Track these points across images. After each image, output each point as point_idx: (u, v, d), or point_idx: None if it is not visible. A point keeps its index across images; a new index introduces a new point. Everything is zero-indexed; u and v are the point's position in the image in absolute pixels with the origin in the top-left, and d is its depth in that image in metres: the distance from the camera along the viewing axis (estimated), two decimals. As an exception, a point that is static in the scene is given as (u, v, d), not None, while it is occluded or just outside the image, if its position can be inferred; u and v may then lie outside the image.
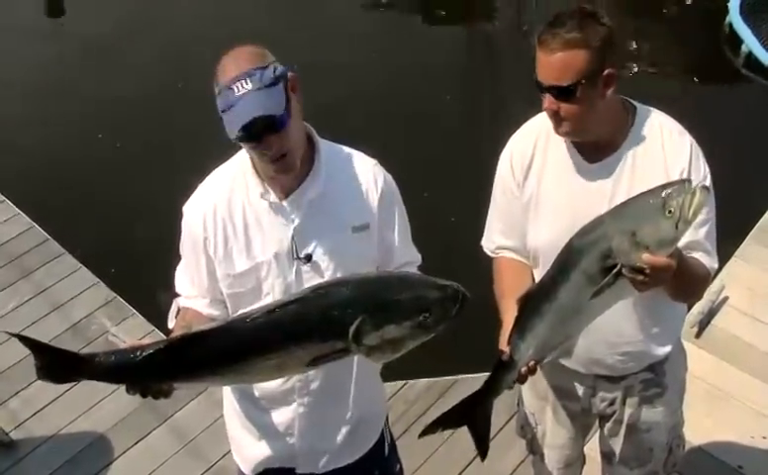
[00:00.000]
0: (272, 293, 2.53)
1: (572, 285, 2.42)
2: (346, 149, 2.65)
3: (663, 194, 2.28)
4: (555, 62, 2.50)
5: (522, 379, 2.62)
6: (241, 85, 2.29)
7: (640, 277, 2.32)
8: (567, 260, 2.45)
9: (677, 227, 2.27)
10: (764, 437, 4.25)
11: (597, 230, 2.39)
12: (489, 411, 2.71)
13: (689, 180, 2.38)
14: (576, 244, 2.43)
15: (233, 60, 2.34)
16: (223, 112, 2.31)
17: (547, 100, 2.56)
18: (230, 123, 2.29)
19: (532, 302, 2.53)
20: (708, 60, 9.05)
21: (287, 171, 2.42)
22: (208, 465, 4.46)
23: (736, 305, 4.99)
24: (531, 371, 2.59)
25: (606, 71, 2.53)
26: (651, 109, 2.74)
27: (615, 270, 2.33)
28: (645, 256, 2.29)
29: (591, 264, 2.37)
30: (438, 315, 2.20)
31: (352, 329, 2.17)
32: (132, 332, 5.16)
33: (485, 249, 3.00)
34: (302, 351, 2.23)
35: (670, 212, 2.26)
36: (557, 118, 2.58)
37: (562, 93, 2.52)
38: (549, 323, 2.50)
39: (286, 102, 2.32)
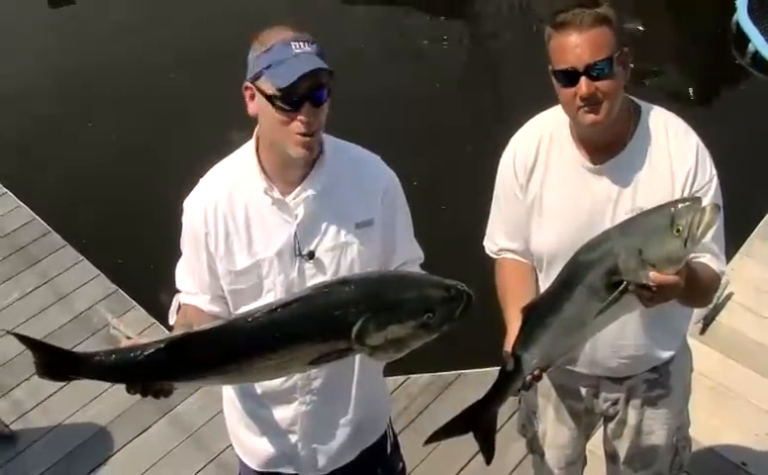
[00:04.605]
0: (274, 291, 2.50)
1: (577, 299, 2.40)
2: (350, 146, 2.63)
3: (672, 212, 2.24)
4: (590, 39, 2.42)
5: (527, 387, 2.60)
6: (301, 45, 2.30)
7: (647, 294, 2.29)
8: (572, 275, 2.42)
9: (685, 245, 2.23)
10: (768, 435, 4.24)
11: (603, 245, 2.35)
12: (494, 417, 2.69)
13: (698, 198, 2.33)
14: (582, 260, 2.40)
15: (286, 28, 2.35)
16: (275, 64, 2.29)
17: (585, 84, 2.43)
18: (288, 70, 2.26)
19: (537, 313, 2.51)
20: (715, 59, 9.02)
21: (310, 149, 2.37)
22: (209, 458, 4.46)
23: (741, 301, 4.97)
24: (537, 378, 2.57)
25: (624, 50, 2.49)
26: (656, 107, 2.69)
27: (620, 288, 2.30)
28: (652, 274, 2.25)
29: (596, 280, 2.34)
30: (443, 315, 2.17)
31: (356, 328, 2.14)
32: (133, 325, 5.18)
33: (487, 251, 2.97)
34: (304, 351, 2.20)
35: (678, 230, 2.22)
36: (594, 101, 2.46)
37: (601, 70, 2.43)
38: (554, 334, 2.48)
39: (329, 85, 2.34)
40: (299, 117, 2.30)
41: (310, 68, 2.26)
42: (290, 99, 2.29)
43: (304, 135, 2.32)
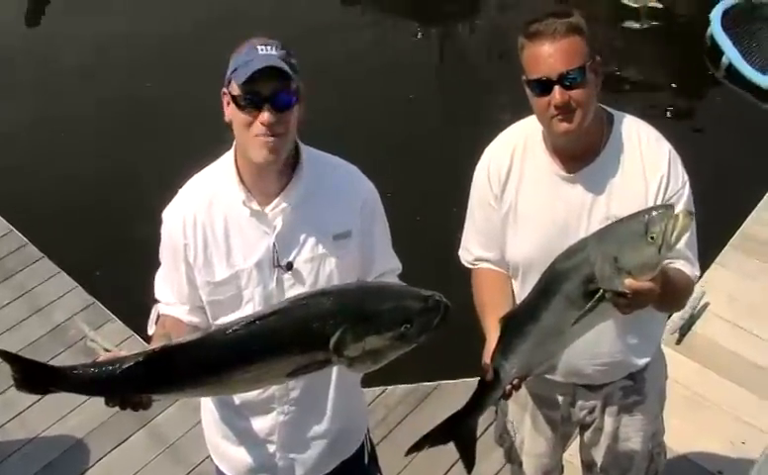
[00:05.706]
0: (253, 301, 2.51)
1: (554, 309, 2.42)
2: (328, 156, 2.64)
3: (645, 219, 2.27)
4: (563, 48, 2.45)
5: (507, 396, 2.62)
6: (268, 49, 2.34)
7: (623, 301, 2.31)
8: (549, 284, 2.44)
9: (660, 252, 2.26)
10: (743, 443, 4.27)
11: (579, 254, 2.38)
12: (475, 427, 2.71)
13: (671, 205, 2.36)
14: (558, 268, 2.42)
15: (262, 37, 2.39)
16: (241, 66, 2.32)
17: (558, 93, 2.45)
18: (245, 69, 2.30)
19: (515, 323, 2.53)
20: (689, 71, 9.12)
21: (274, 153, 2.36)
22: (188, 469, 4.43)
23: (717, 311, 5.01)
24: (516, 388, 2.59)
25: (596, 58, 2.52)
26: (628, 116, 2.72)
27: (597, 296, 2.33)
28: (628, 281, 2.27)
29: (573, 289, 2.36)
30: (420, 326, 2.18)
31: (333, 339, 2.15)
32: (110, 337, 5.15)
33: (462, 261, 2.98)
34: (282, 363, 2.21)
35: (653, 237, 2.24)
36: (568, 109, 2.48)
37: (574, 79, 2.45)
38: (532, 343, 2.50)
39: (297, 93, 2.36)
40: (259, 117, 2.32)
41: (264, 65, 2.29)
42: (251, 99, 2.32)
43: (264, 135, 2.33)
